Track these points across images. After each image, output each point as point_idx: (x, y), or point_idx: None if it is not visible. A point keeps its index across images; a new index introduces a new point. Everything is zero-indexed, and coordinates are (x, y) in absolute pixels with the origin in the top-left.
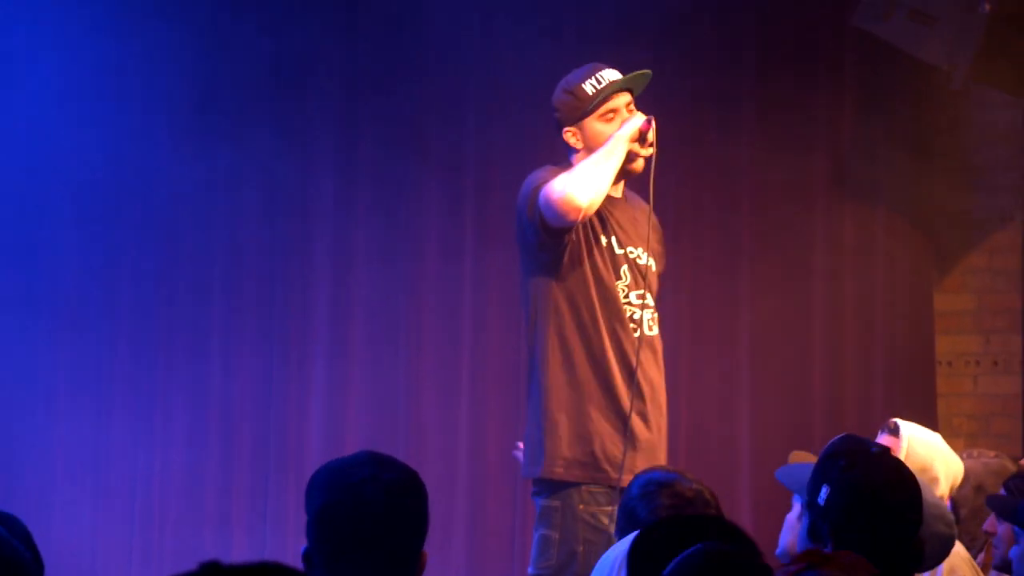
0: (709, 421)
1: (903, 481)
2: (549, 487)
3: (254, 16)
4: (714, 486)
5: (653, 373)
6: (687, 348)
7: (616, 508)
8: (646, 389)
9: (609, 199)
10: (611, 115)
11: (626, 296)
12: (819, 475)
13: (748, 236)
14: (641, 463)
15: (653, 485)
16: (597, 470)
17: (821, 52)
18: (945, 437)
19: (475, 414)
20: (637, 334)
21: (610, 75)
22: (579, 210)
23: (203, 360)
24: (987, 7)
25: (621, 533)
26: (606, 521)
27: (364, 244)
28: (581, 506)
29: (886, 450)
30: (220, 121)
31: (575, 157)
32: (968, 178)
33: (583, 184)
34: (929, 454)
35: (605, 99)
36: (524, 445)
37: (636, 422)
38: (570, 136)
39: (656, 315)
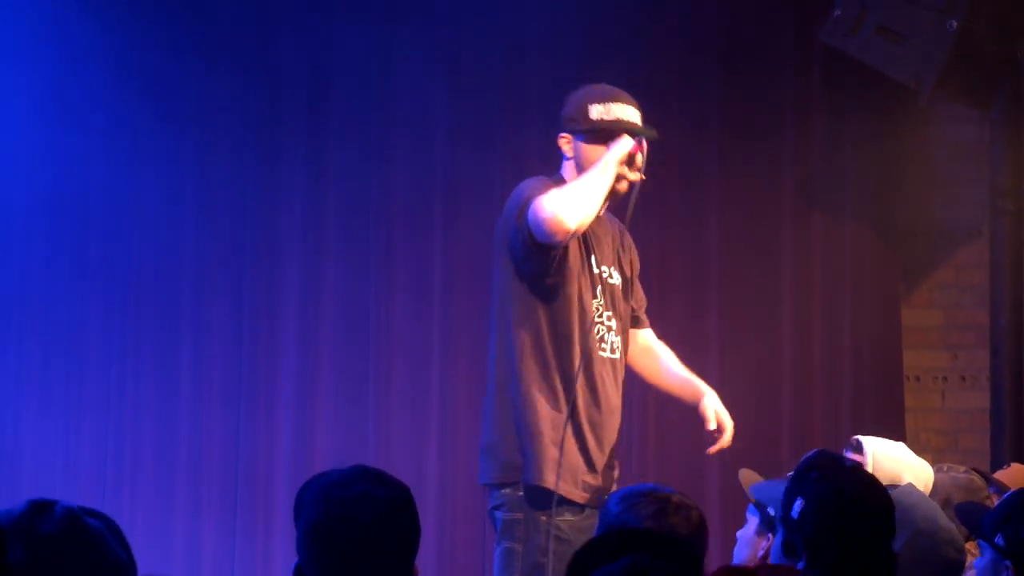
0: (675, 435)
1: (875, 493)
2: (511, 500)
3: (224, 39)
4: None
5: (612, 395)
6: None
7: (578, 519)
8: (605, 410)
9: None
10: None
11: (600, 316)
12: (792, 489)
13: (715, 251)
14: (595, 481)
15: (635, 496)
16: (563, 480)
17: (788, 68)
18: (913, 452)
19: (444, 434)
20: (605, 355)
21: (620, 111)
22: (567, 232)
23: (172, 371)
24: (955, 24)
25: None
26: (570, 532)
27: (333, 270)
28: (544, 517)
29: (858, 465)
30: (186, 143)
31: (565, 164)
32: (935, 194)
33: (573, 205)
34: (896, 467)
35: (602, 132)
36: (487, 451)
37: (592, 442)
38: (564, 143)
39: (622, 338)
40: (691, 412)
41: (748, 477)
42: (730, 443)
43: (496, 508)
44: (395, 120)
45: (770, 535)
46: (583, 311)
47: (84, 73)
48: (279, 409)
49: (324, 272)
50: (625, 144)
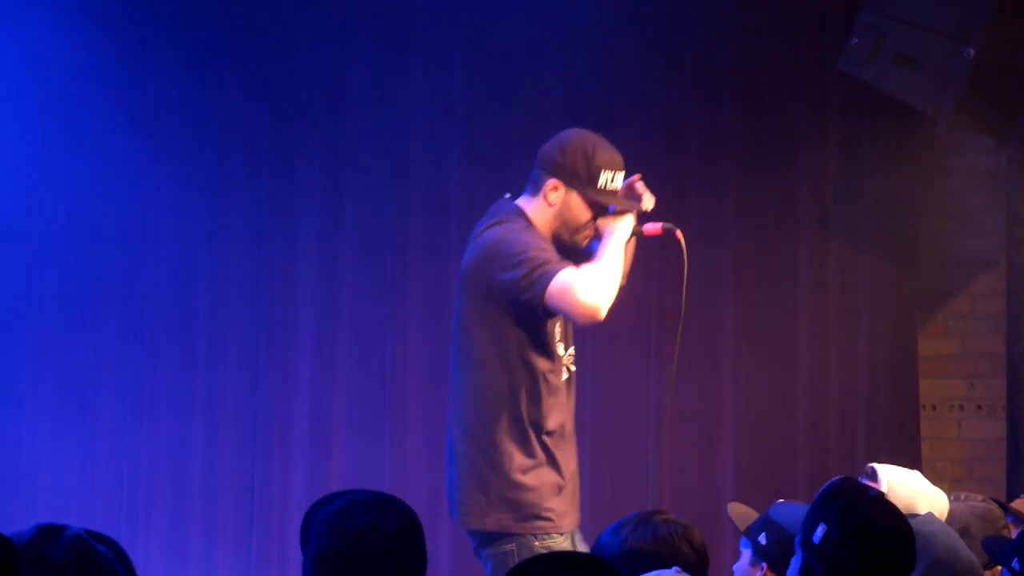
0: (692, 465)
1: (900, 527)
2: (498, 535)
3: (239, 61)
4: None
5: (572, 426)
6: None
7: (565, 540)
8: (569, 446)
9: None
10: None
11: (564, 357)
12: (816, 514)
13: (731, 280)
14: (572, 511)
15: (629, 522)
16: (542, 519)
17: (805, 96)
18: (929, 481)
19: None
20: (571, 389)
21: (620, 181)
22: (596, 321)
23: (187, 395)
24: (971, 52)
25: None
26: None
27: (348, 293)
28: (536, 543)
29: (883, 495)
30: (202, 167)
31: (539, 205)
32: (952, 223)
33: (610, 297)
34: (911, 495)
35: (599, 199)
36: (463, 491)
37: (567, 475)
38: (551, 189)
39: (576, 363)
40: (708, 448)
41: (738, 511)
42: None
43: (481, 546)
44: (409, 144)
45: (763, 565)
46: (550, 349)
47: (98, 96)
48: (294, 433)
49: (340, 295)
50: (629, 225)
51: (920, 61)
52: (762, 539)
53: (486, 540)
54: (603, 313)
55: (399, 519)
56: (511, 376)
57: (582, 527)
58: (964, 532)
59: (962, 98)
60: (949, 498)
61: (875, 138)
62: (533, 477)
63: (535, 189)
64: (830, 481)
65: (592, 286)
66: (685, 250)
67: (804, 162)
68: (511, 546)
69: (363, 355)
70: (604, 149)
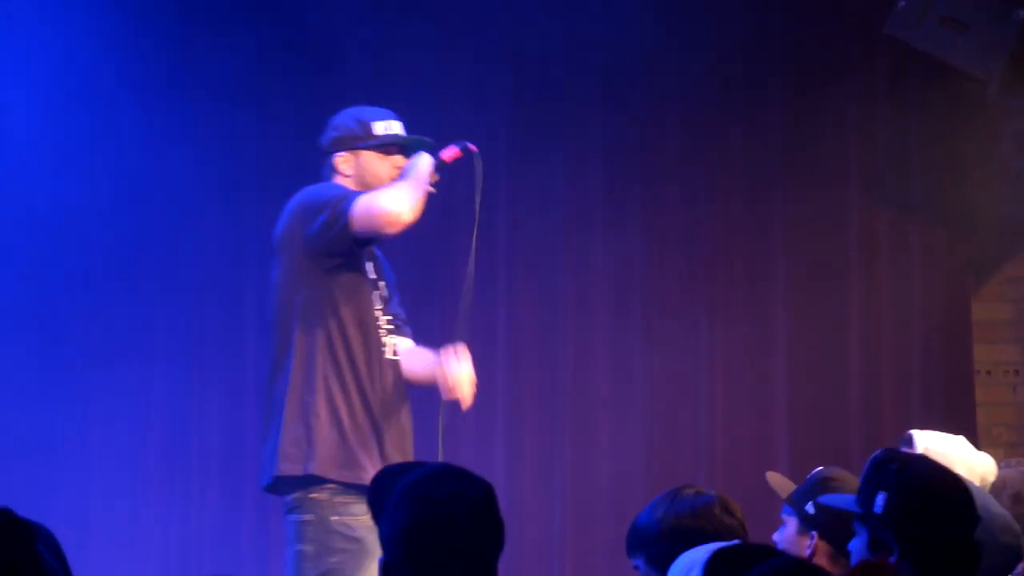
0: (744, 434)
1: (954, 479)
2: (303, 503)
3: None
4: (749, 498)
5: (398, 396)
6: (721, 359)
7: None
8: (393, 410)
9: None
10: (392, 149)
11: (377, 320)
12: (871, 485)
13: (780, 248)
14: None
15: (667, 497)
16: (358, 468)
17: (853, 62)
18: (984, 447)
19: (483, 445)
20: (388, 356)
21: (398, 128)
22: (401, 225)
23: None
24: (1021, 13)
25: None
26: (361, 531)
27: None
28: (335, 518)
29: (925, 455)
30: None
31: (340, 181)
32: (1004, 187)
33: (411, 203)
34: (946, 461)
35: (388, 147)
36: (283, 446)
37: (382, 437)
38: (342, 162)
39: (395, 345)
40: (761, 416)
41: (776, 479)
42: (468, 399)
43: (291, 511)
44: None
45: (813, 533)
46: (368, 314)
47: (108, 79)
48: None
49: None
50: (426, 160)
51: (968, 23)
52: (809, 508)
53: (293, 504)
54: (406, 217)
55: (479, 486)
56: (329, 337)
57: (636, 506)
58: (1017, 498)
59: (1012, 60)
60: (1000, 464)
61: (924, 103)
62: (344, 430)
63: (330, 174)
64: (873, 454)
65: (390, 196)
66: (479, 163)
67: (852, 129)
68: (310, 516)
69: None
70: (366, 108)
